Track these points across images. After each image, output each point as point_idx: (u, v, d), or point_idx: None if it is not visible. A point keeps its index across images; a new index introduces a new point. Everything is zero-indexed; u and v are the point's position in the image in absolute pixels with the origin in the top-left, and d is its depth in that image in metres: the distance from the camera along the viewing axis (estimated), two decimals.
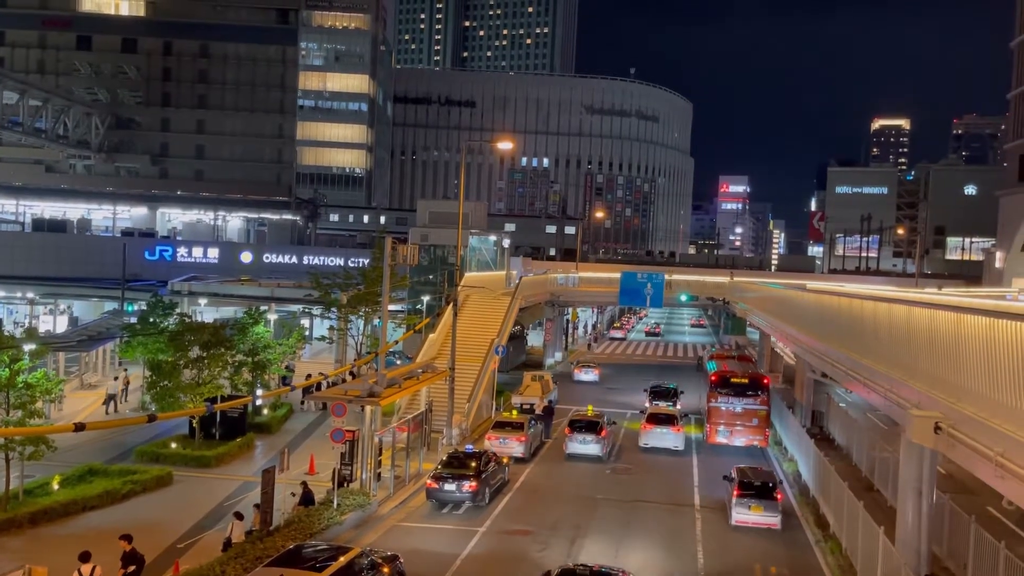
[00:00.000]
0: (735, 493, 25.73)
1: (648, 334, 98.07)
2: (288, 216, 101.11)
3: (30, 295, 65.84)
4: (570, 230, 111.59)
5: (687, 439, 37.18)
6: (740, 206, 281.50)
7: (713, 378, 39.10)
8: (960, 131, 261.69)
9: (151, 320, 41.24)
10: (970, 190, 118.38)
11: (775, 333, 46.61)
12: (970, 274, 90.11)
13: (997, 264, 76.44)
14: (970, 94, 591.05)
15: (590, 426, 34.71)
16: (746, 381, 37.74)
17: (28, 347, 30.66)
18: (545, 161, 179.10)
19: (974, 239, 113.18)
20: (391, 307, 43.57)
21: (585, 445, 33.92)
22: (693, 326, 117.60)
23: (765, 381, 38.67)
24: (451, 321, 37.21)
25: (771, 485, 26.13)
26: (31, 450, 24.09)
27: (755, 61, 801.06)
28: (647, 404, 42.45)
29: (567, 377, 56.30)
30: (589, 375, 56.11)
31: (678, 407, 41.62)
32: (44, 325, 62.93)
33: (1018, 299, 45.73)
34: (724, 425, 36.90)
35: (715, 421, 37.20)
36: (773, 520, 25.18)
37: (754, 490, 25.68)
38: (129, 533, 18.98)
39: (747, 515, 25.33)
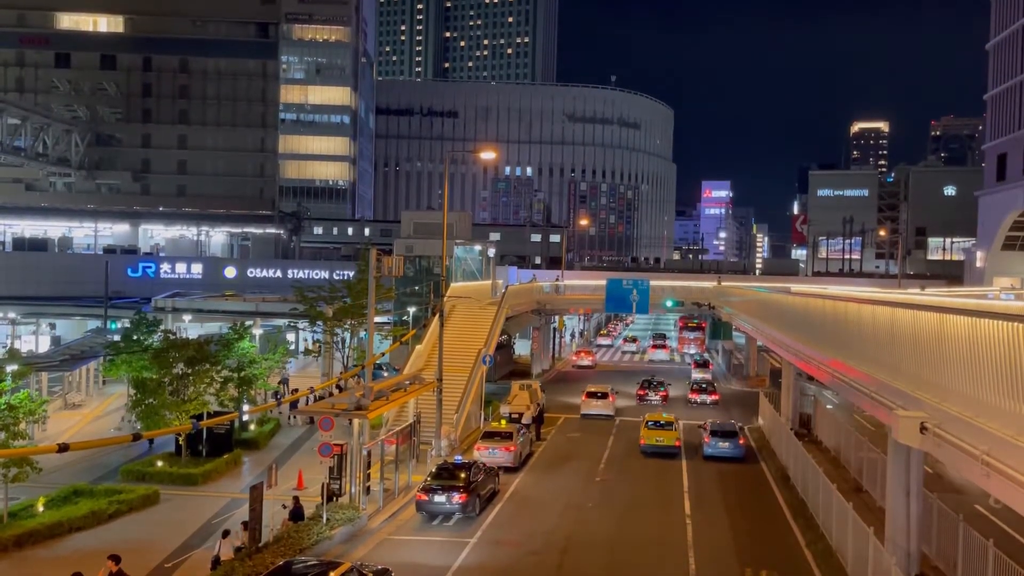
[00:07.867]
0: (693, 367, 60.17)
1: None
2: (272, 230, 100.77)
3: (11, 315, 65.15)
4: (555, 238, 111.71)
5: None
6: (723, 211, 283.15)
7: (680, 323, 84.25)
8: (938, 132, 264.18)
9: (135, 338, 40.86)
10: (949, 191, 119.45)
11: (761, 336, 46.86)
12: (952, 274, 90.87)
13: (978, 263, 77.20)
14: (947, 96, 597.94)
15: (633, 339, 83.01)
16: (695, 324, 79.23)
17: (10, 368, 30.40)
18: (528, 170, 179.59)
19: (955, 239, 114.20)
20: (377, 319, 43.48)
21: (630, 345, 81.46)
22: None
23: (703, 324, 76.23)
24: (438, 332, 37.12)
25: (707, 361, 62.16)
26: (15, 472, 23.86)
27: (735, 67, 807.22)
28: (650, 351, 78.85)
29: (567, 364, 71.60)
30: (585, 361, 71.48)
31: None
32: (26, 345, 62.28)
33: (999, 298, 46.22)
34: (686, 343, 78.91)
35: (681, 342, 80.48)
36: (709, 376, 57.30)
37: (700, 365, 59.84)
38: (117, 554, 18.78)
39: (696, 375, 57.39)
